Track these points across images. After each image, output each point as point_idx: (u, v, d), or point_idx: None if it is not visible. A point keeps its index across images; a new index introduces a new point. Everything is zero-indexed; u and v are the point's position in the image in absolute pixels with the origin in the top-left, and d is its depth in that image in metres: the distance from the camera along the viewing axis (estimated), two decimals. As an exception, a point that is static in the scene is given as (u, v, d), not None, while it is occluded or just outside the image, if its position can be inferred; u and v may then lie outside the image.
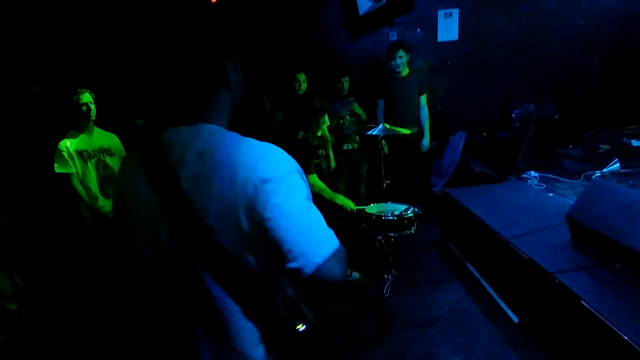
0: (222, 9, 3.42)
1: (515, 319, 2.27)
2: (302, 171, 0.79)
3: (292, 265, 0.71)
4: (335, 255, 0.74)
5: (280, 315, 0.78)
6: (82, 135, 2.56)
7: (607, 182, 2.16)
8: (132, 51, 3.55)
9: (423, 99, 3.65)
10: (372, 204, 2.64)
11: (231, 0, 3.64)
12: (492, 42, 4.05)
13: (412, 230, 2.43)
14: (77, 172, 2.53)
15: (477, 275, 2.73)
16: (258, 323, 0.78)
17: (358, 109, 3.61)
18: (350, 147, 3.64)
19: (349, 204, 2.45)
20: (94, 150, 2.60)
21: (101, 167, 2.62)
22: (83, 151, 2.55)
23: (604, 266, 1.85)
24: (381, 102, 3.65)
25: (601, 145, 3.57)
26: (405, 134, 2.69)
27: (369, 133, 2.58)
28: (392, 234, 2.40)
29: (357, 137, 3.65)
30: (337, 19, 4.00)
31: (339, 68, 3.62)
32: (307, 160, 2.57)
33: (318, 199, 2.69)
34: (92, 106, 2.53)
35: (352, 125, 3.58)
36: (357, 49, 4.12)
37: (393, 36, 4.06)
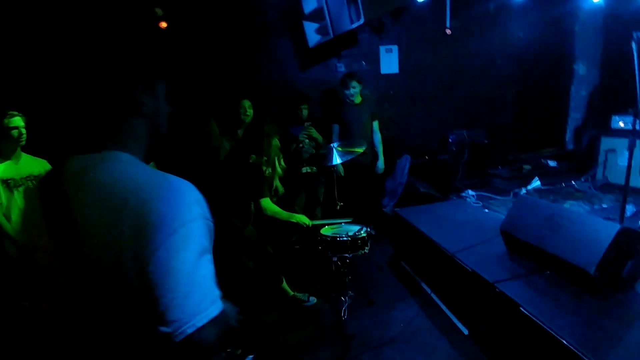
0: (143, 33, 3.39)
1: (465, 331, 2.39)
2: (208, 217, 0.73)
3: (163, 329, 0.66)
4: (212, 322, 0.69)
5: None
6: (8, 162, 2.32)
7: (531, 198, 2.44)
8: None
9: (376, 124, 3.91)
10: (325, 226, 2.68)
11: (180, 26, 3.65)
12: (428, 76, 4.51)
13: (365, 250, 2.50)
14: (0, 203, 2.26)
15: (429, 290, 2.86)
16: None
17: (315, 134, 3.74)
18: (309, 170, 3.71)
19: (304, 220, 2.48)
20: (21, 178, 2.35)
21: None
22: (9, 179, 2.31)
23: (536, 273, 2.06)
24: (336, 127, 3.84)
25: (524, 166, 4.06)
26: (360, 158, 2.83)
27: (322, 152, 2.67)
28: (347, 255, 2.44)
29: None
30: (288, 50, 4.18)
31: (299, 96, 3.76)
32: (259, 183, 2.57)
33: (274, 222, 2.68)
34: (24, 131, 2.32)
35: (310, 148, 3.69)
36: (308, 78, 4.30)
37: (341, 67, 4.32)
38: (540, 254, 2.06)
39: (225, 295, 0.75)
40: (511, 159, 4.28)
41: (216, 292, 0.71)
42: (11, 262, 2.34)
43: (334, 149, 2.70)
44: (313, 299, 2.88)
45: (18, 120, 2.31)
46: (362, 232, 2.49)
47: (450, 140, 4.44)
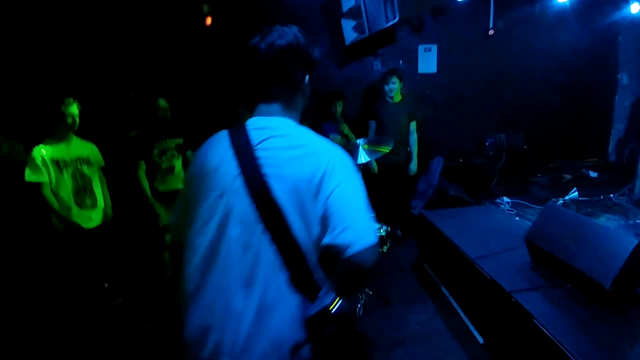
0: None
1: (481, 340, 2.36)
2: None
3: (340, 242, 0.86)
4: (373, 247, 0.88)
5: (317, 290, 0.89)
6: (60, 144, 2.52)
7: (559, 207, 2.35)
8: (131, 62, 3.64)
9: (413, 125, 3.88)
10: None
11: (222, 24, 3.85)
12: (466, 77, 4.38)
13: (384, 249, 2.55)
14: (50, 180, 2.46)
15: (447, 294, 2.84)
16: (298, 292, 0.89)
17: (347, 130, 3.81)
18: None
19: None
20: (70, 160, 2.57)
21: (78, 176, 2.60)
22: (59, 160, 2.51)
23: (556, 286, 2.01)
24: (373, 124, 3.86)
25: (564, 175, 3.83)
26: (393, 158, 2.84)
27: (347, 149, 2.72)
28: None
29: None
30: (326, 47, 4.27)
31: (334, 93, 3.85)
32: None
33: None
34: (77, 118, 2.52)
35: (340, 143, 3.76)
36: (343, 75, 4.36)
37: (377, 65, 4.33)
38: (562, 266, 1.99)
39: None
40: (551, 167, 4.05)
41: (376, 226, 0.96)
42: (58, 237, 2.61)
43: (360, 147, 2.76)
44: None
45: (74, 108, 2.50)
46: (381, 230, 2.54)
47: (487, 144, 4.30)
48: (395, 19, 3.11)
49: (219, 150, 0.97)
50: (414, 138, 3.90)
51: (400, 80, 3.75)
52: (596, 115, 4.40)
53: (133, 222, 3.26)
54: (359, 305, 2.65)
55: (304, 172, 0.89)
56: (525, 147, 4.19)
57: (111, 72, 3.63)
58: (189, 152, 3.21)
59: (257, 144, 0.94)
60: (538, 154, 4.29)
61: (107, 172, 2.95)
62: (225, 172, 0.94)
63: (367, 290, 2.74)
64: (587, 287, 1.82)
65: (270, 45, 0.97)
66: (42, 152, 2.44)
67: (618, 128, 4.30)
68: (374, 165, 3.68)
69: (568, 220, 2.03)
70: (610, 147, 4.34)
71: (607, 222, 2.76)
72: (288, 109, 1.02)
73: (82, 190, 2.62)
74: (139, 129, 3.37)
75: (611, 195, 3.40)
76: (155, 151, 3.00)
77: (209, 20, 3.89)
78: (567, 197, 3.39)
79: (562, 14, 4.16)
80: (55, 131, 2.53)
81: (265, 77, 1.00)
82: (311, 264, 0.90)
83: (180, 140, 3.11)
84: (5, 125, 2.91)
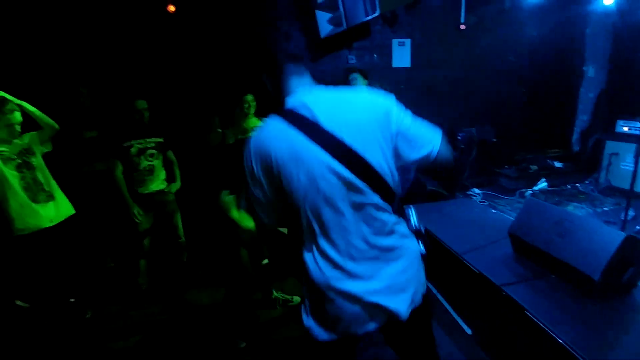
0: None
1: (469, 331, 2.43)
2: None
3: (424, 152, 1.17)
4: (444, 138, 1.20)
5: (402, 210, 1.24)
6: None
7: (541, 202, 2.46)
8: (84, 56, 3.31)
9: None
10: None
11: (187, 13, 3.59)
12: (439, 71, 4.45)
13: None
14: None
15: (433, 289, 2.90)
16: (393, 213, 1.18)
17: None
18: None
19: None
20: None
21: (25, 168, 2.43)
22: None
23: (542, 278, 2.10)
24: None
25: (531, 166, 4.06)
26: None
27: None
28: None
29: None
30: (299, 40, 4.12)
31: None
32: None
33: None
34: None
35: None
36: (317, 69, 4.25)
37: (352, 59, 4.26)
38: (547, 258, 2.09)
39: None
40: (518, 159, 4.27)
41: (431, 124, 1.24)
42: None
43: None
44: (297, 298, 2.82)
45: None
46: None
47: (459, 137, 4.42)
48: (375, 12, 3.06)
49: (283, 134, 1.10)
50: None
51: (365, 77, 3.64)
52: (561, 107, 4.62)
53: (105, 226, 3.02)
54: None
55: (368, 117, 1.13)
56: (495, 140, 4.36)
57: (62, 68, 3.25)
58: (170, 152, 3.00)
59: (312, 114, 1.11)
60: (505, 146, 4.49)
61: (67, 176, 2.66)
62: (304, 148, 1.08)
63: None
64: (574, 279, 1.92)
65: None
66: None
67: (582, 119, 4.52)
68: None
69: (551, 214, 2.12)
70: (574, 138, 4.58)
71: (575, 210, 2.95)
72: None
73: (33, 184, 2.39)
74: (95, 130, 3.07)
75: (578, 184, 3.64)
76: (133, 150, 2.76)
77: (171, 7, 3.61)
78: (535, 188, 3.59)
79: (532, 8, 4.30)
80: None
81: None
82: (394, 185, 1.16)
83: (160, 139, 2.91)
84: None
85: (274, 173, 1.10)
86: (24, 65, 3.13)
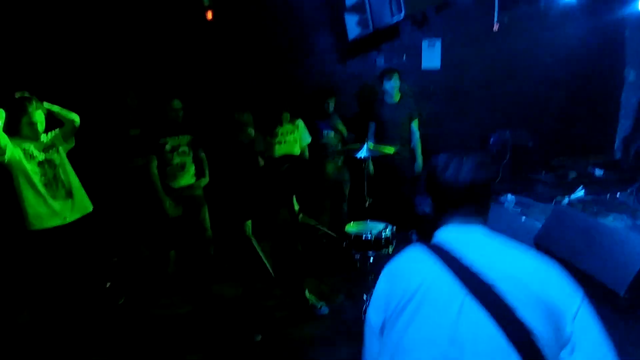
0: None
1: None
2: None
3: None
4: None
5: None
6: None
7: (568, 209, 2.32)
8: (134, 61, 3.59)
9: (414, 124, 3.86)
10: (351, 222, 2.73)
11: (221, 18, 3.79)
12: (470, 72, 4.31)
13: (389, 250, 2.52)
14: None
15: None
16: None
17: (340, 126, 3.77)
18: (334, 163, 3.76)
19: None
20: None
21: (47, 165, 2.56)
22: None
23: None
24: (372, 125, 3.84)
25: (569, 173, 3.79)
26: (396, 157, 2.82)
27: (357, 155, 2.67)
28: (370, 253, 2.48)
29: (341, 156, 3.78)
30: (328, 43, 4.19)
31: (325, 90, 3.79)
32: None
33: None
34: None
35: (335, 141, 3.72)
36: (346, 71, 4.29)
37: (380, 61, 4.25)
38: (572, 270, 1.96)
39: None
40: (556, 165, 4.01)
41: None
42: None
43: (366, 145, 2.69)
44: (325, 309, 2.82)
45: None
46: (386, 231, 2.50)
47: (491, 140, 4.25)
48: (400, 14, 3.04)
49: (423, 267, 0.92)
50: (416, 137, 3.87)
51: (400, 79, 3.69)
52: (602, 112, 4.35)
53: (138, 218, 3.26)
54: (364, 307, 2.64)
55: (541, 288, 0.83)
56: (530, 143, 4.14)
57: (110, 71, 3.56)
58: (200, 150, 3.20)
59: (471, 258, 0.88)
60: (542, 150, 4.25)
61: (112, 171, 2.91)
62: (444, 290, 0.86)
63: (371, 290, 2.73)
64: (599, 293, 1.79)
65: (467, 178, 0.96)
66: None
67: (624, 125, 4.26)
68: (371, 168, 3.66)
69: (578, 223, 2.00)
70: (616, 145, 4.30)
71: (614, 221, 2.73)
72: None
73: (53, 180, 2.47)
74: (139, 128, 3.33)
75: (618, 193, 3.37)
76: (168, 147, 3.00)
77: (209, 15, 3.82)
78: (573, 196, 3.36)
79: (567, 9, 4.10)
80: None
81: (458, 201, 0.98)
82: None
83: (190, 137, 3.13)
84: None
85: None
86: (78, 69, 3.47)
